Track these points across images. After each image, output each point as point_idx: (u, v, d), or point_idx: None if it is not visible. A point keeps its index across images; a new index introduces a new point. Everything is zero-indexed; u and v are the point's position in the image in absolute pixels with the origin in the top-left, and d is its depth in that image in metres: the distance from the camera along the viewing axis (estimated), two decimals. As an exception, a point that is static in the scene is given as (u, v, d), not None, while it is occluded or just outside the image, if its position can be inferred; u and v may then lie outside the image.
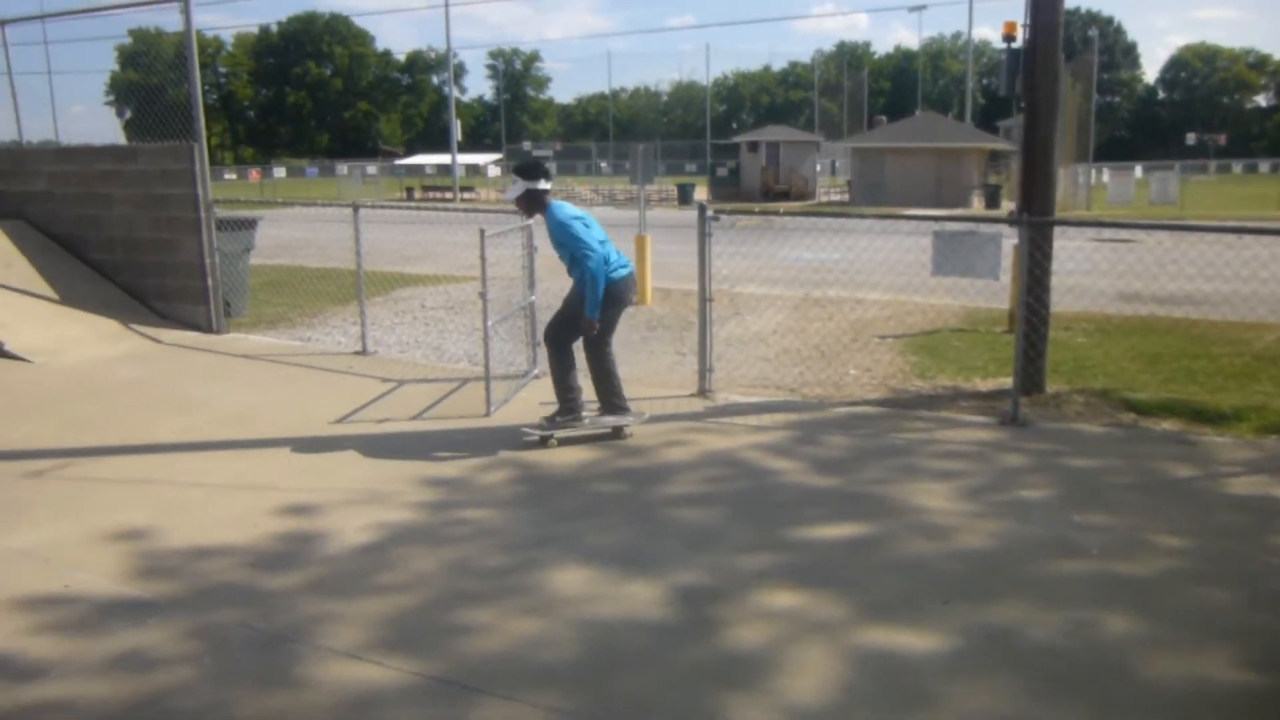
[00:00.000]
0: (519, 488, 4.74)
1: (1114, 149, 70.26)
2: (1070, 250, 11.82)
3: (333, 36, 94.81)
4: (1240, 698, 2.89)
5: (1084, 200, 28.68)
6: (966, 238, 6.02)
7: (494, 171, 52.22)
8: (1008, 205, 27.32)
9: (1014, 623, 3.29)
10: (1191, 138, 55.10)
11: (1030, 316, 5.94)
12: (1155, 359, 7.35)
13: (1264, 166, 59.84)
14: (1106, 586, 3.58)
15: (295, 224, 18.70)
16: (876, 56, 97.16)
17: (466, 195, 40.85)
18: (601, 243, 5.40)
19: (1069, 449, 5.23)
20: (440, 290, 11.71)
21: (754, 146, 37.06)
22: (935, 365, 7.30)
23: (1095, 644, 3.15)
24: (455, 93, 46.80)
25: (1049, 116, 6.26)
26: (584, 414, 5.56)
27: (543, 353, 5.73)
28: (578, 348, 5.54)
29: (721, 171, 37.34)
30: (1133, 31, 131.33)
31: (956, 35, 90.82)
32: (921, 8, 57.62)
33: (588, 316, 5.32)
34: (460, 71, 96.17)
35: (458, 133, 45.15)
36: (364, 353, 7.85)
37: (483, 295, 5.85)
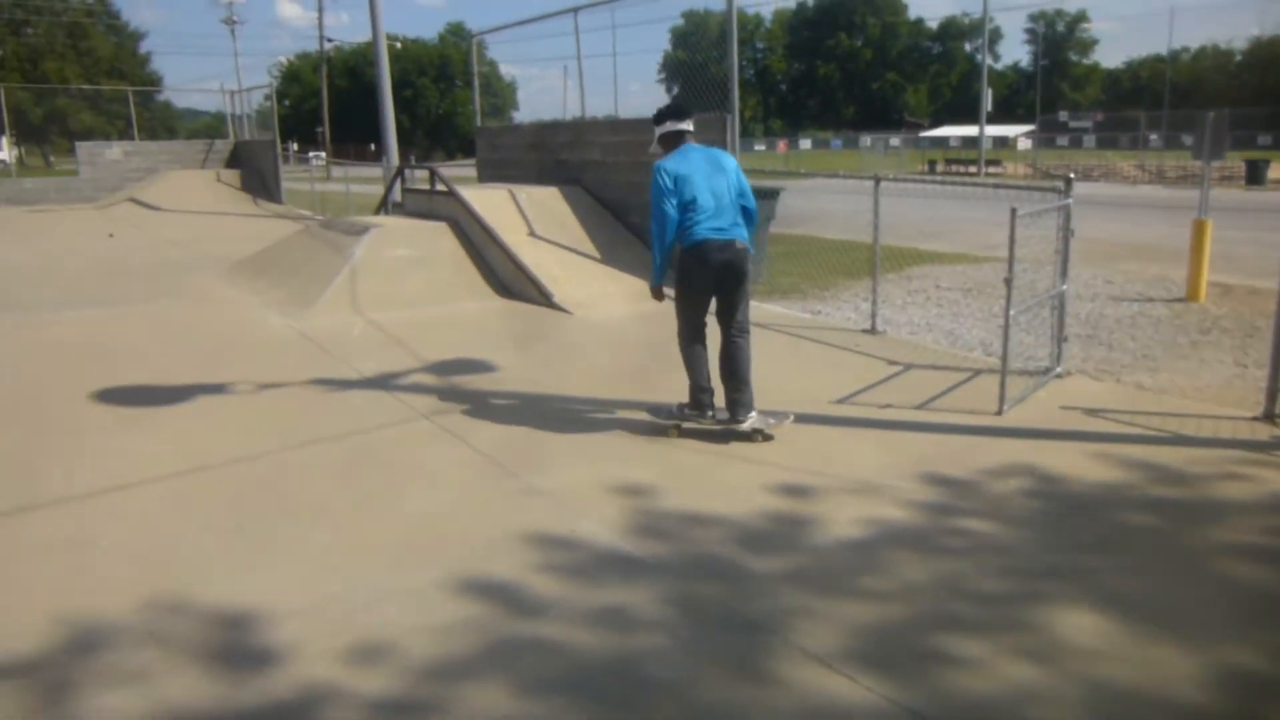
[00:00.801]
0: (1030, 502, 4.19)
1: None
2: None
3: (866, 7, 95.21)
4: None
5: None
6: None
7: (1024, 144, 49.10)
8: None
9: None
10: None
11: None
12: None
13: None
14: None
15: (815, 195, 18.98)
16: None
17: (992, 169, 38.83)
18: (689, 202, 4.76)
19: None
20: (957, 270, 11.10)
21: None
22: None
23: None
24: (988, 60, 44.51)
25: None
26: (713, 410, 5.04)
27: (1069, 349, 5.03)
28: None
29: (1310, 146, 31.38)
30: None
31: None
32: None
33: (650, 285, 4.93)
34: (996, 37, 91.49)
35: (988, 102, 43.02)
36: (872, 331, 7.61)
37: (1008, 280, 5.30)
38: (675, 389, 5.89)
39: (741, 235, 4.89)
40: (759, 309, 8.59)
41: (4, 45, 50.74)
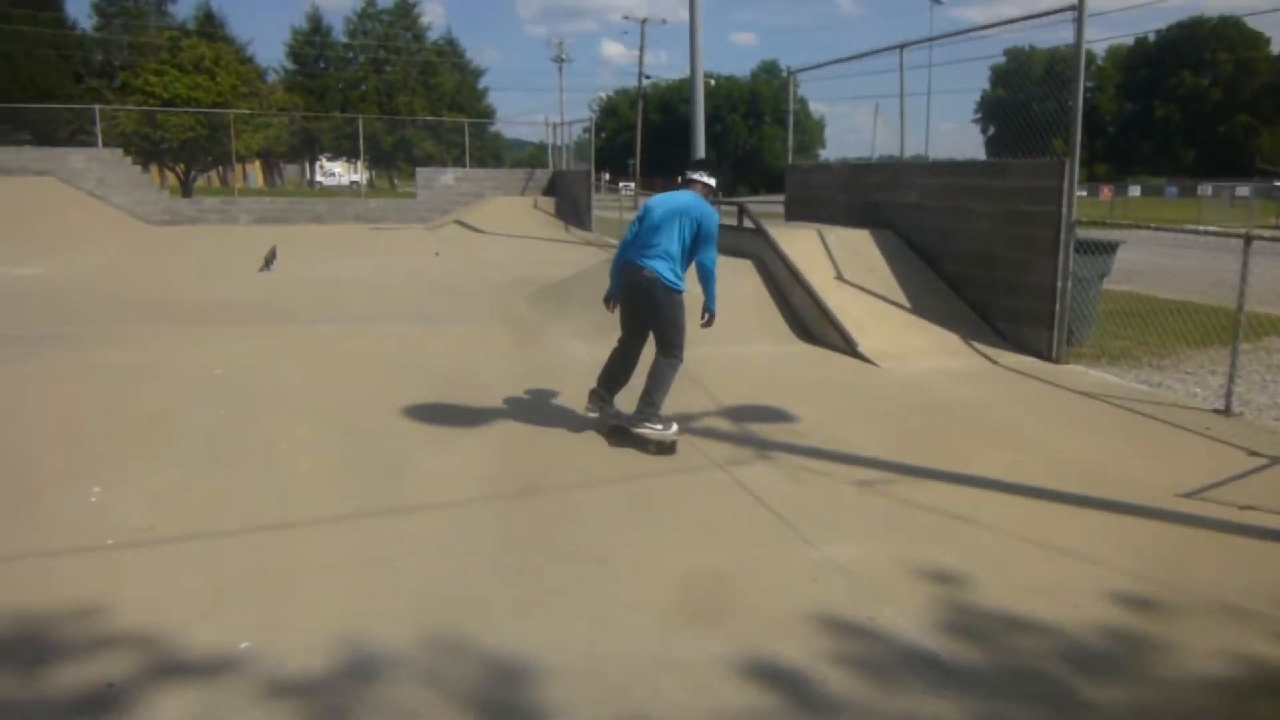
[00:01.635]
0: None
1: None
2: None
3: (1218, 42, 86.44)
4: None
5: None
6: None
7: None
8: None
9: None
10: None
11: None
12: None
13: None
14: None
15: (1147, 247, 17.22)
16: None
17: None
18: (635, 235, 5.67)
19: None
20: (1331, 345, 9.54)
21: None
22: None
23: None
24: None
25: None
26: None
27: None
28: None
29: None
30: None
31: None
32: None
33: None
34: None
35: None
36: (1226, 412, 6.59)
37: None
38: (989, 461, 5.34)
39: (661, 269, 5.55)
40: (1084, 376, 7.75)
41: (367, 81, 56.96)
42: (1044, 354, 8.18)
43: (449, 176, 27.67)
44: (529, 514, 4.53)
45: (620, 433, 5.75)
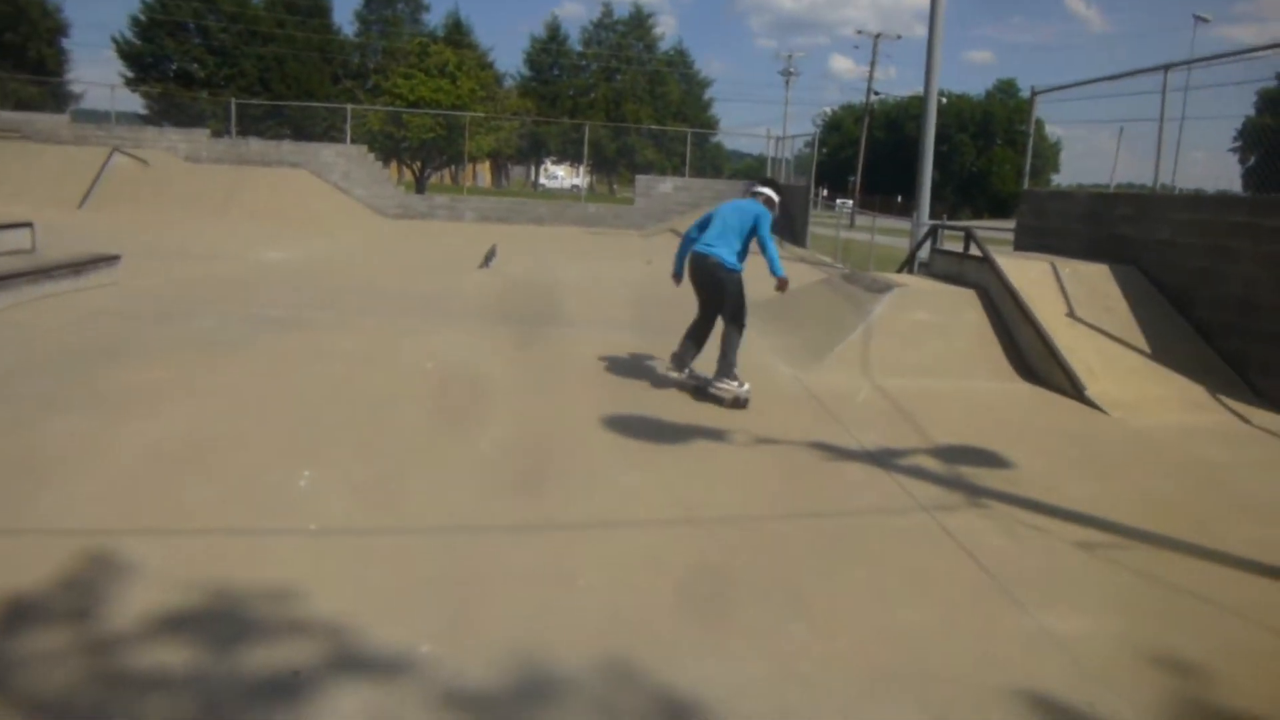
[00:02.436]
0: None
1: None
2: None
3: None
4: None
5: None
6: None
7: None
8: None
9: None
10: None
11: None
12: None
13: None
14: None
15: None
16: None
17: None
18: (699, 229, 7.23)
19: None
20: None
21: None
22: None
23: None
24: None
25: None
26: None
27: None
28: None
29: None
30: None
31: None
32: None
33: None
34: None
35: None
36: None
37: None
38: (1237, 535, 4.75)
39: (722, 254, 6.97)
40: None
41: (596, 89, 58.55)
42: (1308, 416, 7.26)
43: (667, 185, 27.95)
44: (724, 543, 4.36)
45: (700, 391, 7.01)
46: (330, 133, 37.40)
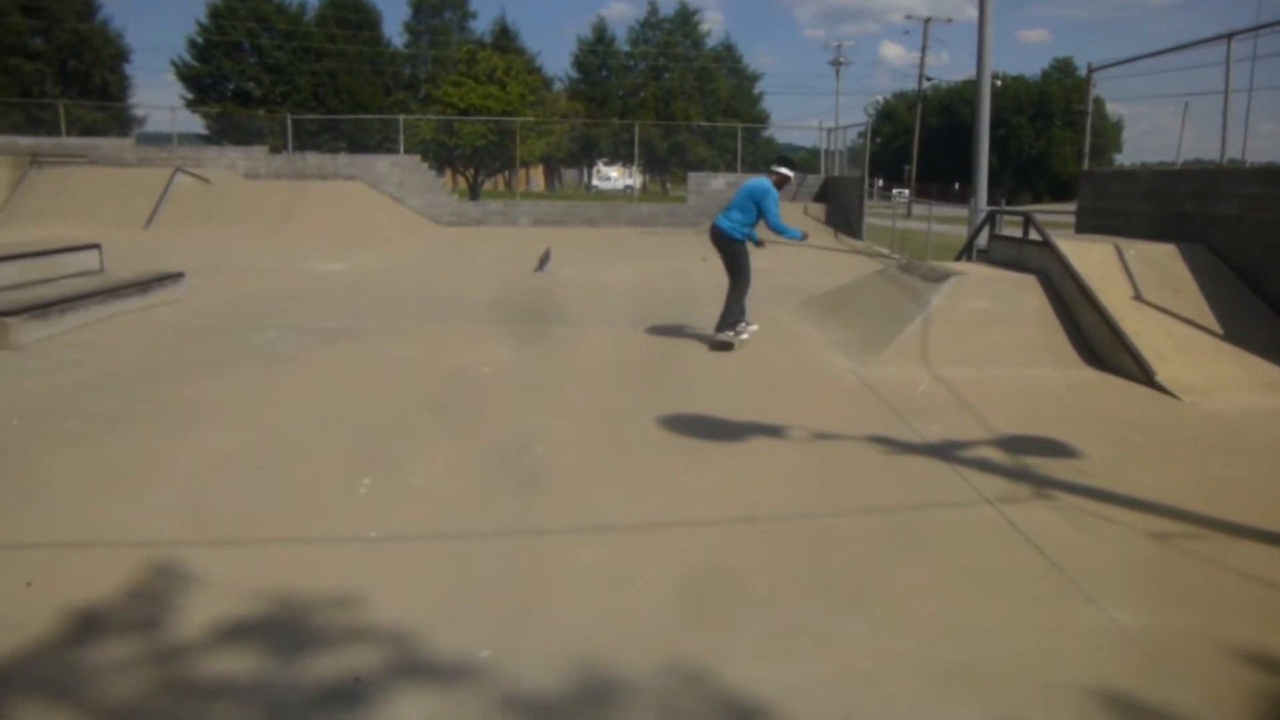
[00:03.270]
0: None
1: None
2: None
3: None
4: None
5: None
6: None
7: None
8: None
9: None
10: None
11: None
12: None
13: None
14: None
15: None
16: None
17: None
18: (724, 210, 8.72)
19: None
20: None
21: None
22: None
23: None
24: None
25: None
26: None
27: None
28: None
29: None
30: None
31: None
32: None
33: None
34: None
35: None
36: None
37: None
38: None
39: (724, 224, 8.52)
40: None
41: (645, 88, 58.58)
42: (1395, 395, 6.97)
43: (719, 181, 27.83)
44: (783, 541, 4.30)
45: (717, 345, 8.53)
46: (384, 144, 37.99)
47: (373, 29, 52.69)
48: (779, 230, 8.39)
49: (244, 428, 5.87)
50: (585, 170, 70.28)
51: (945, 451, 5.61)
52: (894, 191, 43.78)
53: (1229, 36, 8.93)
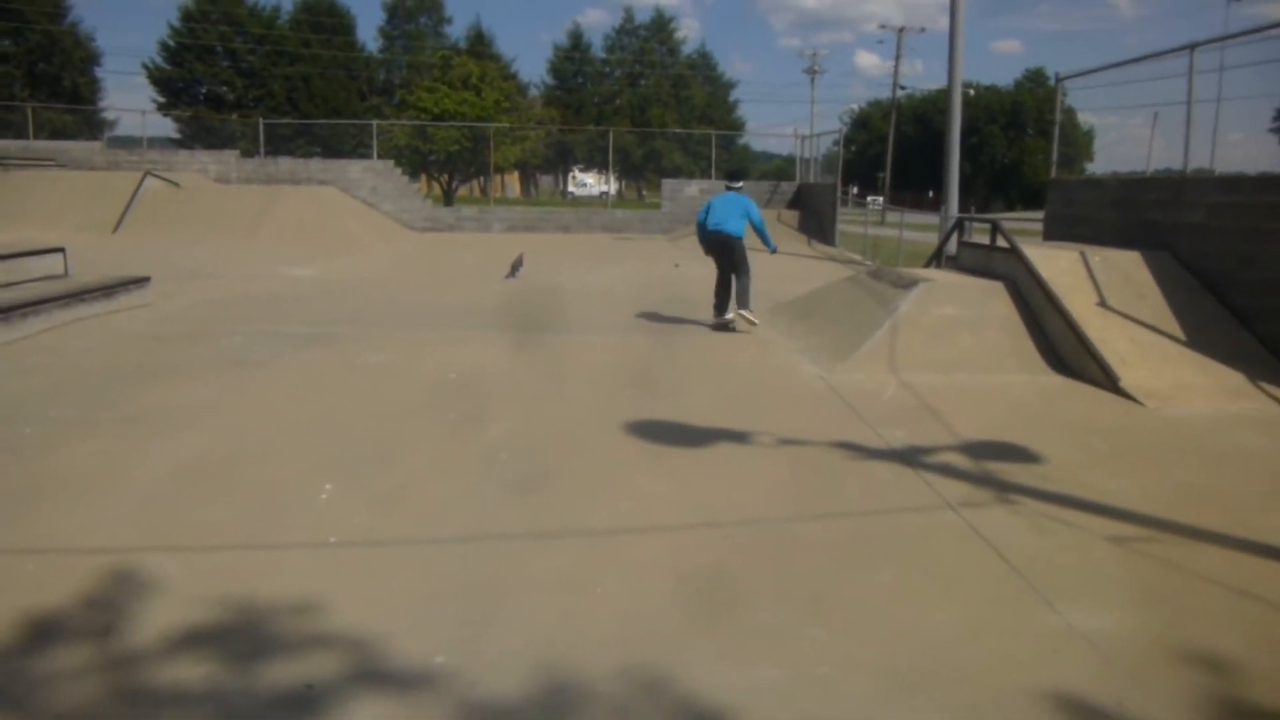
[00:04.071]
0: None
1: None
2: None
3: None
4: None
5: None
6: None
7: None
8: None
9: None
10: None
11: None
12: None
13: None
14: None
15: None
16: None
17: None
18: (705, 215, 10.26)
19: None
20: None
21: None
22: None
23: None
24: None
25: None
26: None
27: None
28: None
29: None
30: None
31: None
32: None
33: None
34: None
35: None
36: None
37: None
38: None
39: (735, 230, 9.95)
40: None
41: (621, 95, 58.69)
42: (1351, 400, 7.07)
43: (694, 188, 27.90)
44: (745, 546, 4.31)
45: (722, 328, 9.97)
46: (358, 149, 37.78)
47: (347, 34, 52.49)
48: (764, 235, 10.28)
49: (207, 433, 5.81)
50: (561, 176, 70.28)
51: (910, 457, 5.64)
52: (868, 199, 44.04)
53: (1191, 48, 9.04)
